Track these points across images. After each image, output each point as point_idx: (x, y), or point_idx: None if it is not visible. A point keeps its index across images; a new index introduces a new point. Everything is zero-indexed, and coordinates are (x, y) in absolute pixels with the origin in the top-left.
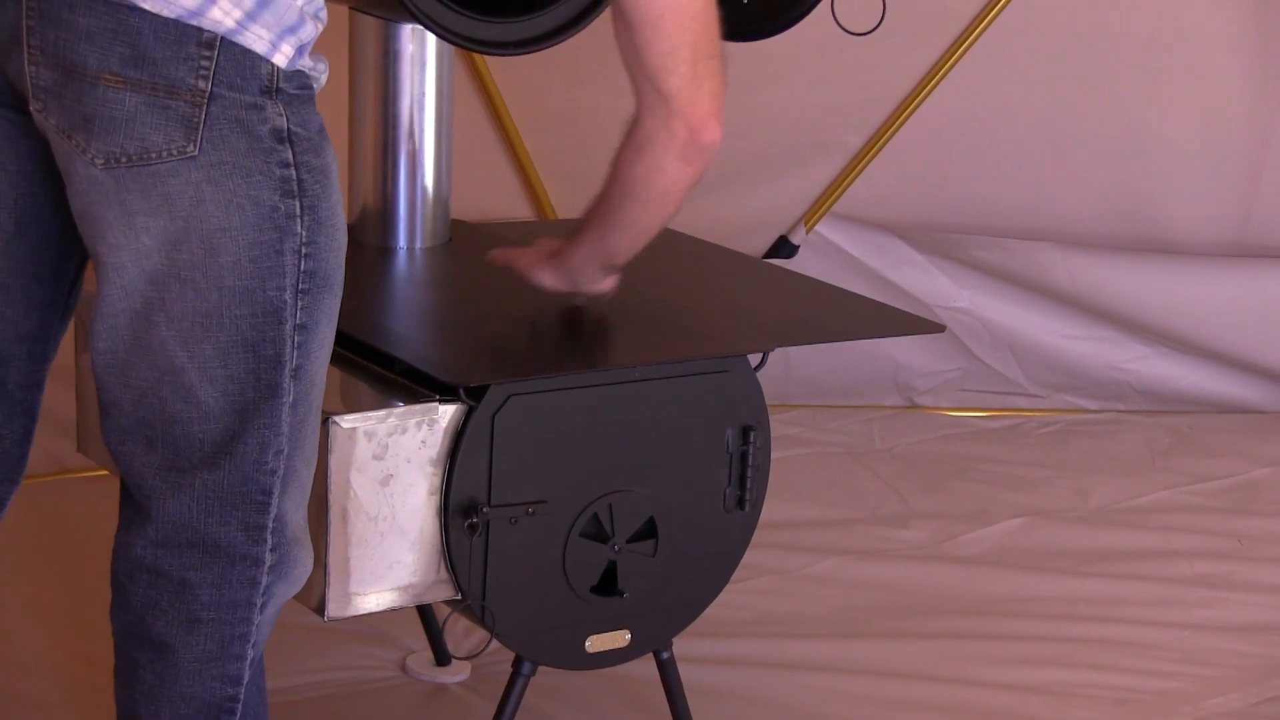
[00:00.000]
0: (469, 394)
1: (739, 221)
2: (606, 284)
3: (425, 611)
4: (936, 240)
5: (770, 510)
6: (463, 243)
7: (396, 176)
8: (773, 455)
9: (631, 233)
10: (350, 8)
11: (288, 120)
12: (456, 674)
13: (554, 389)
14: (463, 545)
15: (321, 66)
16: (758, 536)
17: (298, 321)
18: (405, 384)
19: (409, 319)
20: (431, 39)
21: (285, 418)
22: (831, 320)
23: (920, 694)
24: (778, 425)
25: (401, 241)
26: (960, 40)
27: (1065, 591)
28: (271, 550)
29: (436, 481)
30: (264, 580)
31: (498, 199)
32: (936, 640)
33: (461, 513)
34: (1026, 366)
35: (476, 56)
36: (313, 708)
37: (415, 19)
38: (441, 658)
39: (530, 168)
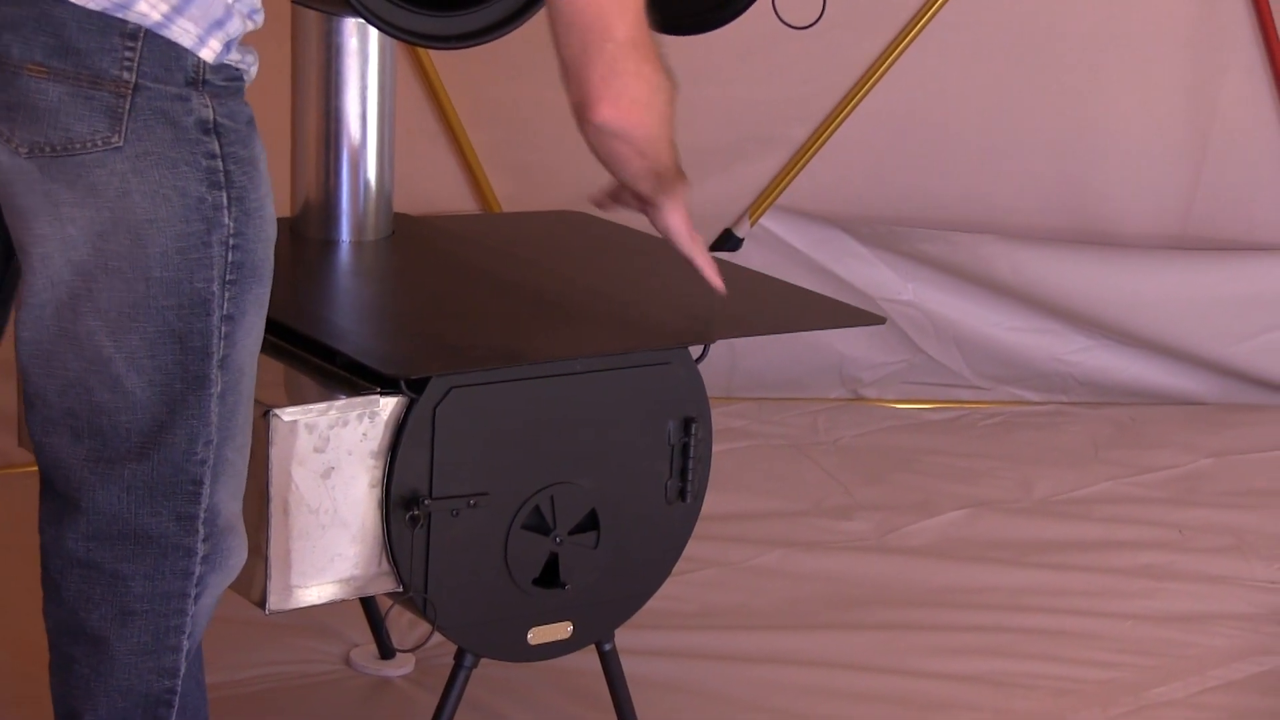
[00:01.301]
0: (410, 386)
1: None
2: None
3: (369, 605)
4: (880, 233)
5: (714, 502)
6: (405, 236)
7: (339, 170)
8: (717, 448)
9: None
10: (292, 1)
11: (214, 112)
12: (400, 667)
13: (495, 381)
14: (404, 537)
15: (250, 59)
16: (702, 529)
17: (225, 313)
18: (347, 377)
19: (351, 312)
20: (374, 32)
21: (213, 408)
22: (775, 312)
23: (864, 684)
24: (722, 418)
25: (344, 234)
26: (903, 34)
27: (1008, 582)
28: (204, 540)
29: (378, 474)
30: (197, 571)
31: (441, 192)
32: (880, 631)
33: (403, 505)
34: (970, 359)
35: (420, 50)
36: (256, 701)
37: (357, 13)
38: (385, 651)
39: (474, 160)
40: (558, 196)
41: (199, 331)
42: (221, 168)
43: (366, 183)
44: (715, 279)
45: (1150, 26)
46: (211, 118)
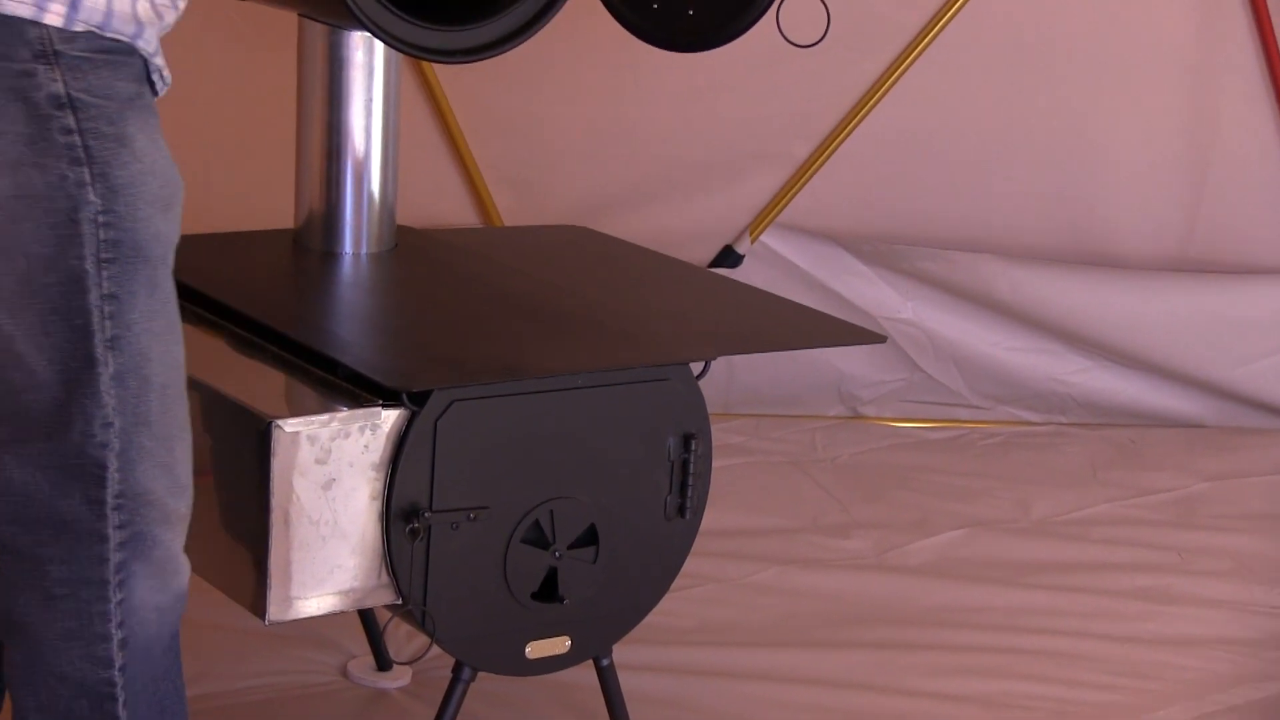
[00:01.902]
0: (412, 399)
1: (684, 230)
2: None
3: (367, 616)
4: (881, 251)
5: (712, 519)
6: (408, 248)
7: (343, 182)
8: (716, 464)
9: None
10: (299, 14)
11: (66, 86)
12: (397, 679)
13: (496, 395)
14: (404, 550)
15: (135, 30)
16: (700, 545)
17: (106, 291)
18: (348, 389)
19: (353, 324)
20: (379, 46)
21: (107, 389)
22: (774, 330)
23: (860, 703)
24: (721, 434)
25: (347, 247)
26: (905, 53)
27: (1006, 602)
28: (119, 528)
29: (379, 486)
30: (113, 558)
31: (444, 205)
32: (877, 650)
33: (403, 517)
34: (969, 378)
35: (424, 63)
36: (253, 712)
37: (364, 26)
38: (383, 663)
39: (476, 174)
40: (558, 210)
41: (79, 309)
42: (80, 143)
43: (370, 195)
44: None
45: (1151, 48)
46: (64, 92)
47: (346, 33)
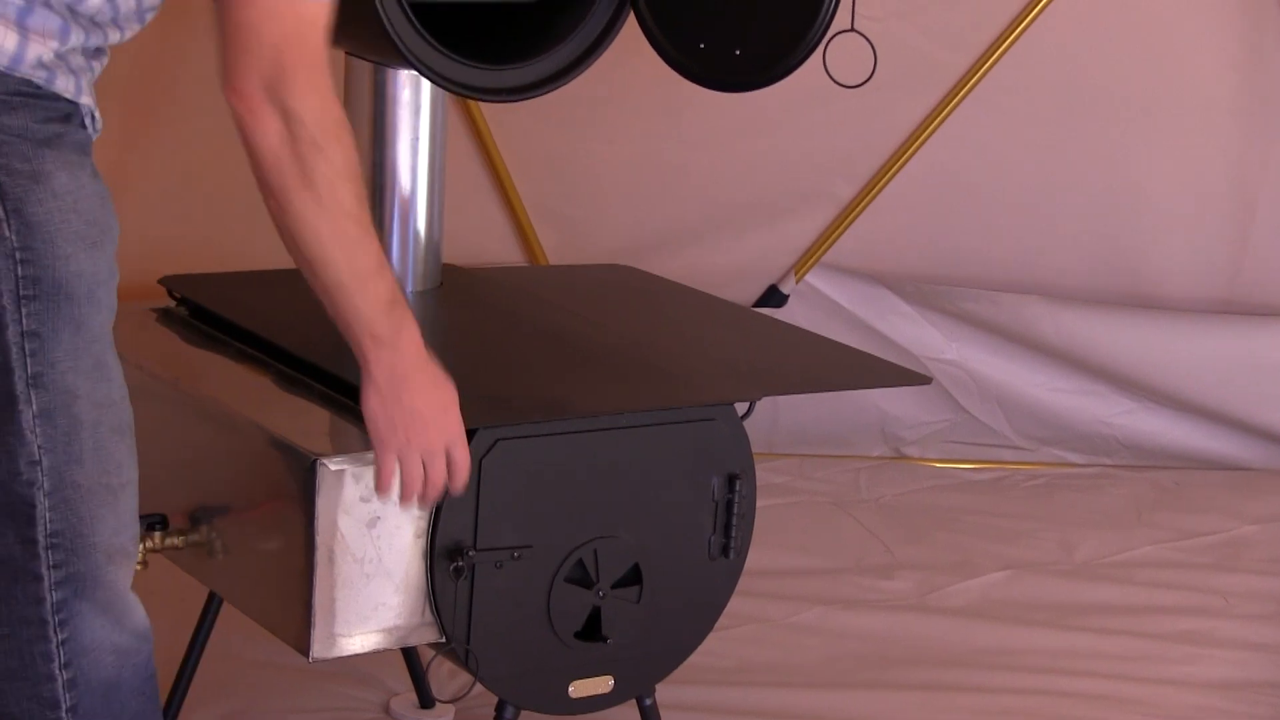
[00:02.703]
0: None
1: (729, 269)
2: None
3: (409, 654)
4: (925, 292)
5: (755, 559)
6: (454, 286)
7: (389, 220)
8: (758, 504)
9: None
10: (345, 52)
11: None
12: (440, 717)
13: (541, 434)
14: (448, 588)
15: (47, 76)
16: (742, 585)
17: (26, 328)
18: None
19: None
20: (426, 84)
21: (31, 427)
22: (819, 370)
23: None
24: (764, 474)
25: None
26: (951, 94)
27: (1048, 644)
28: (54, 567)
29: (423, 524)
30: (50, 598)
31: (489, 243)
32: (919, 691)
33: (447, 556)
34: (1013, 419)
35: (470, 101)
36: None
37: (411, 65)
38: (425, 700)
39: (522, 212)
40: (603, 249)
41: None
42: None
43: (416, 233)
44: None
45: (1196, 90)
46: None
47: (393, 71)
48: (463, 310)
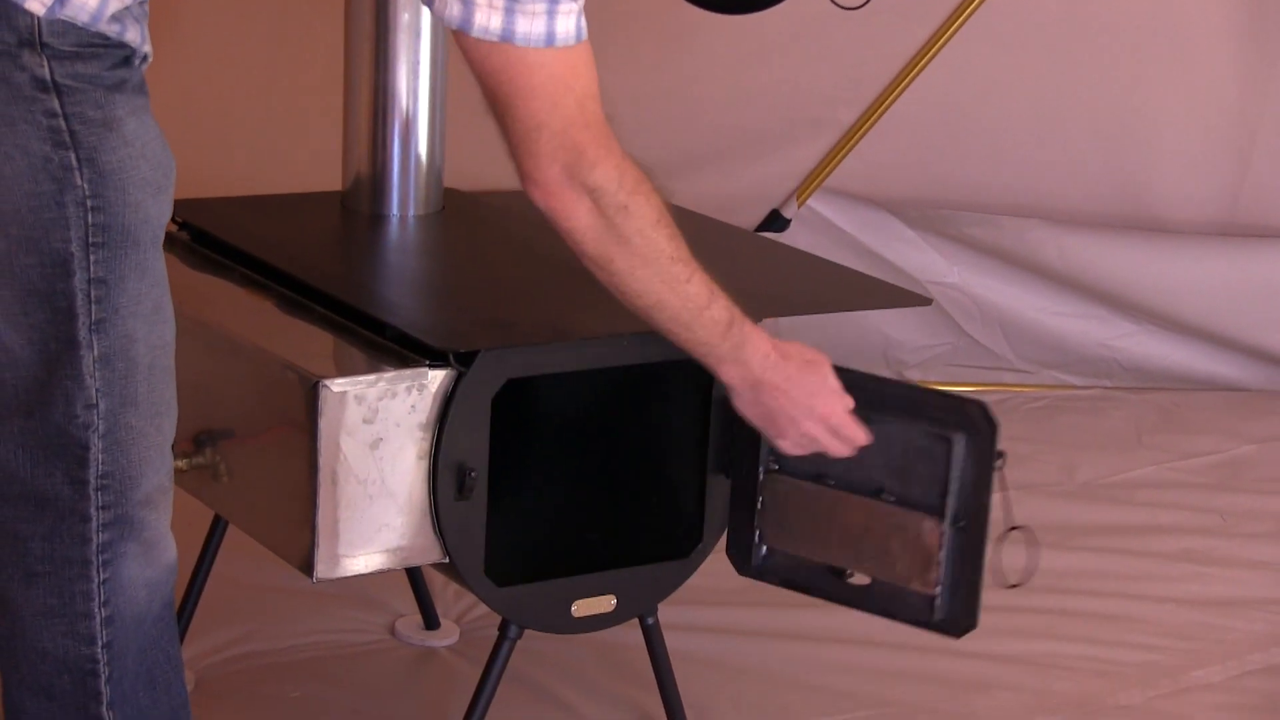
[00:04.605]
0: (459, 359)
1: (731, 195)
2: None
3: (414, 575)
4: (927, 216)
5: None
6: (455, 211)
7: (390, 144)
8: None
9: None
10: None
11: (51, 71)
12: (445, 638)
13: (544, 355)
14: (451, 509)
15: (120, 28)
16: None
17: (93, 275)
18: (395, 349)
19: (400, 285)
20: (426, 8)
21: (91, 371)
22: (821, 292)
23: (905, 664)
24: None
25: (394, 209)
26: (953, 18)
27: (1050, 565)
28: (103, 509)
29: (426, 446)
30: (96, 538)
31: (491, 168)
32: None
33: (450, 477)
34: (1015, 343)
35: None
36: (301, 670)
37: None
38: (430, 622)
39: None
40: None
41: (62, 292)
42: (65, 127)
43: (417, 157)
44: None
45: (1199, 13)
46: (48, 76)
47: None
48: (464, 235)
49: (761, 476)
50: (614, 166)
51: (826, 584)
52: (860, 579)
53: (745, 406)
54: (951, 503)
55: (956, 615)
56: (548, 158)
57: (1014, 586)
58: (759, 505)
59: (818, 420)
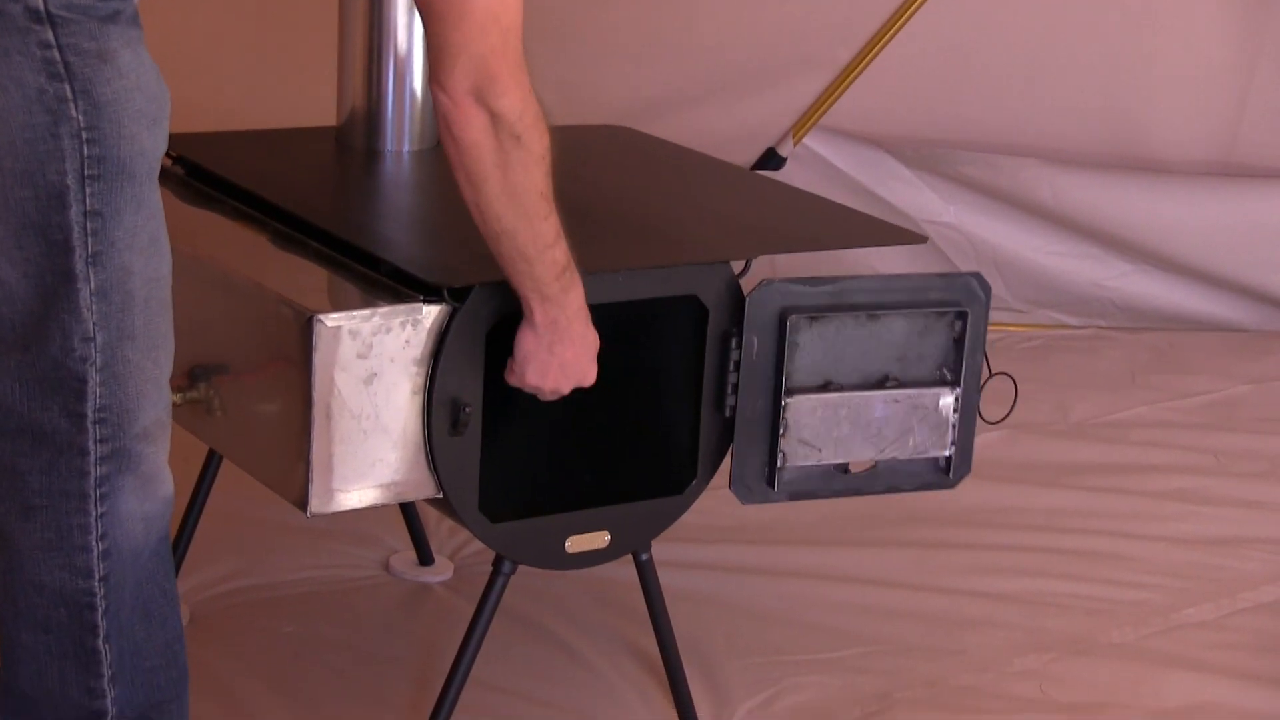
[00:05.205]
0: (453, 295)
1: (727, 133)
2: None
3: (408, 511)
4: (923, 155)
5: None
6: None
7: (384, 79)
8: None
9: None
10: None
11: (45, 2)
12: (439, 573)
13: None
14: (445, 444)
15: None
16: None
17: (89, 208)
18: (390, 284)
19: (395, 221)
20: None
21: (88, 304)
22: (815, 229)
23: (897, 601)
24: None
25: (389, 144)
26: None
27: (1043, 503)
28: (101, 442)
29: (420, 381)
30: (94, 471)
31: None
32: (914, 549)
33: (444, 412)
34: (1010, 282)
35: None
36: (295, 605)
37: None
38: (424, 557)
39: None
40: (601, 111)
41: (58, 225)
42: (59, 59)
43: (412, 93)
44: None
45: None
46: (42, 7)
47: None
48: None
49: (784, 401)
50: (520, 99)
51: (831, 482)
52: (859, 466)
53: (534, 348)
54: (960, 372)
55: (958, 465)
56: (462, 73)
57: (997, 423)
58: (782, 429)
59: (572, 381)
